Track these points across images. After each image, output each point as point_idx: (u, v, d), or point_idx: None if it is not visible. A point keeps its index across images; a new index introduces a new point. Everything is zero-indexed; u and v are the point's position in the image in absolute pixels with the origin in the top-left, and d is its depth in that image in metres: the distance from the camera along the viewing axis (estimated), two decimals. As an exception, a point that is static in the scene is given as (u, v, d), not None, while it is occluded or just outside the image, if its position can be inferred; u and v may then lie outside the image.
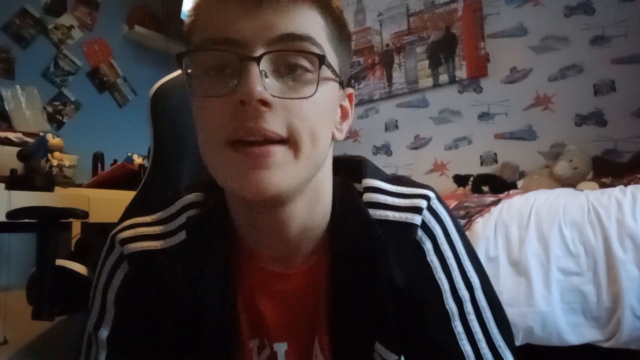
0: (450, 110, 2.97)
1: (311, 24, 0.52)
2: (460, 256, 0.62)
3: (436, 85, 2.99)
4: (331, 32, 0.55)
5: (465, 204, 1.72)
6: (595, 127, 2.51)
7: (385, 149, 3.20)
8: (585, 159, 2.32)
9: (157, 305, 0.59)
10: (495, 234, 1.57)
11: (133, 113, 2.52)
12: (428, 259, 0.60)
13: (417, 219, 0.60)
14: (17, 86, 2.08)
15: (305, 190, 0.57)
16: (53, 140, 1.87)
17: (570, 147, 2.45)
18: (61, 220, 1.27)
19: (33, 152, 1.72)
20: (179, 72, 1.12)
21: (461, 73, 2.89)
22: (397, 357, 0.61)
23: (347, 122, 0.62)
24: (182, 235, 0.61)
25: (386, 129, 3.20)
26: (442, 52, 2.96)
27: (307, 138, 0.52)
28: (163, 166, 1.11)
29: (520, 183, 2.44)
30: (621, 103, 2.45)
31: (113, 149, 2.15)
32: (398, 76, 3.12)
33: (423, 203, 0.61)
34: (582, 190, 1.70)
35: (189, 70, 0.54)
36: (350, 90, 0.62)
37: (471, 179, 2.56)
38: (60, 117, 2.26)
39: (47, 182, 1.60)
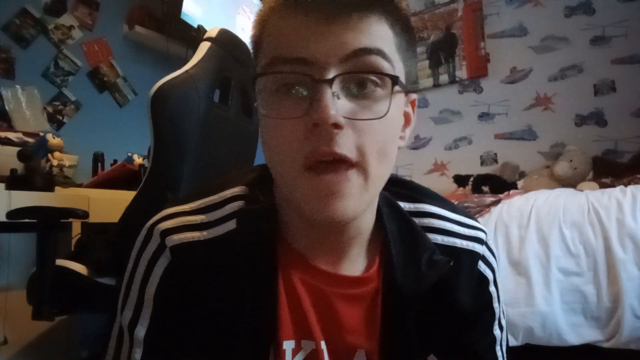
0: (451, 111, 2.97)
1: (381, 37, 0.52)
2: (500, 294, 0.66)
3: (436, 85, 2.99)
4: (400, 41, 0.54)
5: (465, 204, 1.72)
6: (596, 127, 2.51)
7: (386, 149, 3.19)
8: (585, 159, 2.32)
9: (199, 301, 0.56)
10: (496, 233, 1.57)
11: (133, 113, 2.52)
12: (490, 288, 0.64)
13: (480, 249, 0.63)
14: (17, 86, 2.08)
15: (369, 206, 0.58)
16: (53, 140, 1.87)
17: (571, 147, 2.45)
18: (61, 220, 1.27)
19: (33, 152, 1.72)
20: (178, 72, 1.12)
21: (461, 73, 2.89)
22: None
23: (409, 128, 0.62)
24: (230, 225, 0.58)
25: (386, 129, 3.19)
26: (442, 52, 2.96)
27: (376, 157, 0.52)
28: (163, 166, 1.10)
29: (520, 183, 2.44)
30: (621, 103, 2.45)
31: (113, 149, 2.15)
32: (398, 76, 3.11)
33: (483, 236, 0.65)
34: (582, 191, 1.70)
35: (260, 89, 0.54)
36: (414, 96, 0.63)
37: (471, 179, 2.55)
38: (61, 117, 2.26)
39: (47, 182, 1.60)
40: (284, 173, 0.53)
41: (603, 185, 2.00)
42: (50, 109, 2.23)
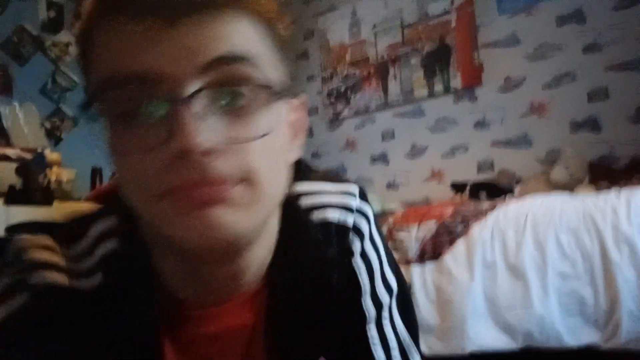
0: (446, 119, 2.99)
1: (244, 38, 0.42)
2: (382, 258, 0.60)
3: (431, 95, 3.01)
4: (268, 40, 0.45)
5: (462, 211, 1.73)
6: (591, 133, 2.53)
7: (383, 158, 3.21)
8: (581, 164, 2.34)
9: None
10: (492, 239, 1.58)
11: (131, 127, 2.55)
12: (354, 262, 0.57)
13: (349, 221, 0.56)
14: (15, 103, 2.10)
15: (263, 229, 0.48)
16: (51, 155, 1.89)
17: (567, 152, 2.47)
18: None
19: (31, 167, 1.73)
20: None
21: (456, 83, 2.92)
22: None
23: (300, 136, 0.54)
24: (96, 279, 0.47)
25: (383, 139, 3.22)
26: (436, 63, 2.99)
27: (266, 175, 0.43)
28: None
29: (517, 190, 2.45)
30: (615, 109, 2.47)
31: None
32: (393, 87, 3.14)
33: (353, 202, 0.58)
34: (577, 195, 1.71)
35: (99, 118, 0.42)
36: (302, 98, 0.54)
37: (468, 186, 2.57)
38: (58, 133, 2.28)
39: (46, 197, 1.61)
40: (137, 205, 0.43)
41: (599, 190, 2.01)
42: (48, 125, 2.25)
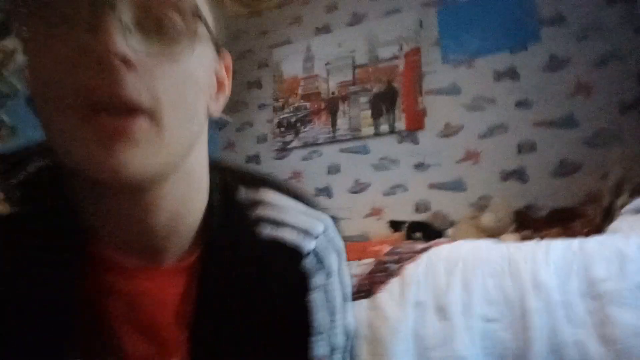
0: (389, 159, 3.12)
1: None
2: (347, 299, 0.58)
3: (377, 134, 3.15)
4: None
5: (398, 250, 1.81)
6: (518, 183, 2.74)
7: (327, 192, 3.29)
8: (508, 212, 2.51)
9: None
10: (425, 279, 1.66)
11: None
12: (310, 296, 0.55)
13: (306, 245, 0.54)
14: (-52, 106, 2.00)
15: (175, 172, 0.47)
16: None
17: (496, 200, 2.65)
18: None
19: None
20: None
21: (400, 124, 3.07)
22: None
23: (222, 95, 0.53)
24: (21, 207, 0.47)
25: (328, 172, 3.30)
26: (383, 104, 3.14)
27: (176, 109, 0.43)
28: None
29: (449, 232, 2.59)
30: (540, 162, 2.70)
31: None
32: (342, 123, 3.26)
33: (319, 228, 0.56)
34: (503, 242, 1.84)
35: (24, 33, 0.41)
36: (228, 59, 0.54)
37: (406, 224, 2.68)
38: (-7, 141, 2.17)
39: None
40: (49, 119, 0.42)
41: (524, 238, 2.17)
42: (-18, 132, 2.14)
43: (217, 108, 0.52)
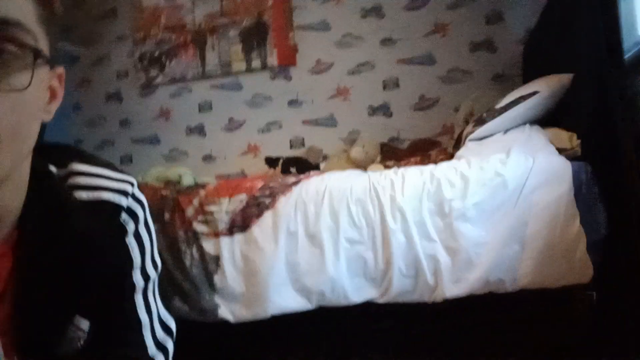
0: (263, 95, 3.09)
1: (19, 8, 0.51)
2: (153, 241, 0.72)
3: (249, 70, 3.07)
4: (41, 13, 0.54)
5: (271, 185, 1.84)
6: (384, 118, 2.90)
7: (199, 130, 3.17)
8: (375, 145, 2.67)
9: None
10: (296, 210, 1.72)
11: None
12: (127, 240, 0.68)
13: (124, 202, 0.66)
14: None
15: (6, 179, 0.54)
16: None
17: (364, 134, 2.80)
18: None
19: None
20: None
21: (272, 60, 3.03)
22: (88, 322, 0.65)
23: (55, 103, 0.61)
24: None
25: (200, 110, 3.17)
26: (254, 38, 3.05)
27: (11, 133, 0.49)
28: None
29: (322, 165, 2.69)
30: (403, 98, 2.88)
31: None
32: (211, 58, 3.11)
33: (129, 187, 0.67)
34: (367, 172, 1.97)
35: None
36: (60, 69, 0.61)
37: (281, 161, 2.72)
38: None
39: None
40: None
41: (387, 167, 2.34)
42: None
43: (50, 115, 0.59)
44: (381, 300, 1.64)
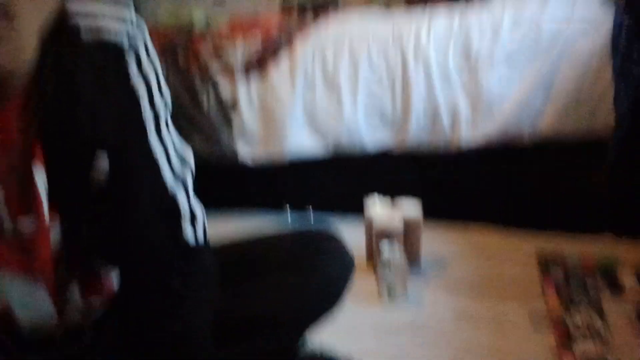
0: None
1: None
2: (158, 72, 0.70)
3: None
4: None
5: (288, 25, 1.77)
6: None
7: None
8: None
9: None
10: (314, 54, 1.66)
11: None
12: (132, 82, 0.66)
13: (126, 42, 0.64)
14: None
15: None
16: None
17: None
18: None
19: None
20: None
21: None
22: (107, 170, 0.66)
23: None
24: None
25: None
26: None
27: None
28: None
29: (340, 0, 2.51)
30: None
31: None
32: None
33: (129, 27, 0.64)
34: (390, 12, 1.85)
35: None
36: None
37: (297, 1, 2.56)
38: None
39: None
40: None
41: (411, 7, 2.18)
42: None
43: None
44: (396, 150, 1.67)
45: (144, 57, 0.67)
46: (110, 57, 0.63)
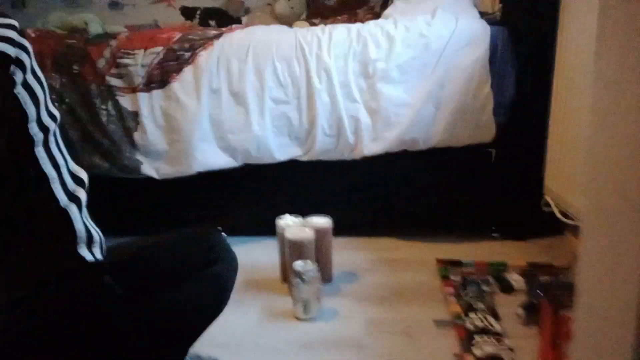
0: None
1: None
2: (45, 90, 0.70)
3: None
4: None
5: (190, 37, 1.72)
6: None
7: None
8: (301, 0, 2.52)
9: None
10: (218, 66, 1.65)
11: None
12: (16, 91, 0.65)
13: (11, 51, 0.63)
14: None
15: None
16: None
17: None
18: None
19: None
20: None
21: None
22: None
23: None
24: None
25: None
26: None
27: None
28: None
29: (244, 19, 2.52)
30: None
31: None
32: None
33: (14, 34, 0.64)
34: (293, 28, 1.89)
35: None
36: None
37: (198, 12, 2.51)
38: None
39: None
40: None
41: (313, 25, 2.25)
42: None
43: None
44: (304, 158, 1.71)
45: (29, 71, 0.67)
46: None
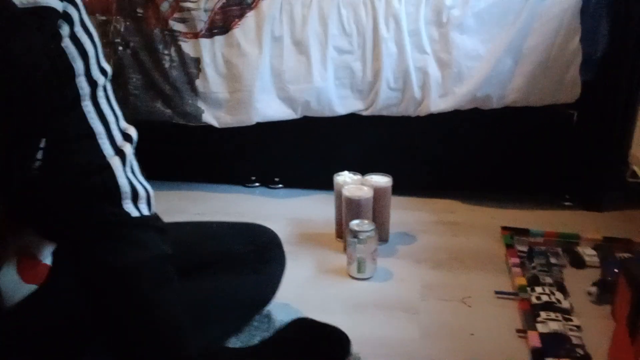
0: None
1: None
2: (96, 44, 0.70)
3: None
4: None
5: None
6: None
7: None
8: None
9: None
10: (281, 13, 1.58)
11: None
12: (63, 45, 0.65)
13: (59, 6, 0.63)
14: None
15: None
16: None
17: None
18: None
19: None
20: None
21: None
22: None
23: None
24: None
25: None
26: None
27: None
28: None
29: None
30: None
31: None
32: None
33: None
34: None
35: None
36: None
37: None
38: None
39: None
40: None
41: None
42: None
43: None
44: (366, 113, 1.64)
45: (77, 24, 0.67)
46: (43, 18, 0.62)
